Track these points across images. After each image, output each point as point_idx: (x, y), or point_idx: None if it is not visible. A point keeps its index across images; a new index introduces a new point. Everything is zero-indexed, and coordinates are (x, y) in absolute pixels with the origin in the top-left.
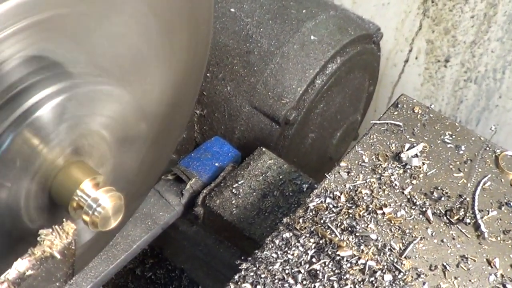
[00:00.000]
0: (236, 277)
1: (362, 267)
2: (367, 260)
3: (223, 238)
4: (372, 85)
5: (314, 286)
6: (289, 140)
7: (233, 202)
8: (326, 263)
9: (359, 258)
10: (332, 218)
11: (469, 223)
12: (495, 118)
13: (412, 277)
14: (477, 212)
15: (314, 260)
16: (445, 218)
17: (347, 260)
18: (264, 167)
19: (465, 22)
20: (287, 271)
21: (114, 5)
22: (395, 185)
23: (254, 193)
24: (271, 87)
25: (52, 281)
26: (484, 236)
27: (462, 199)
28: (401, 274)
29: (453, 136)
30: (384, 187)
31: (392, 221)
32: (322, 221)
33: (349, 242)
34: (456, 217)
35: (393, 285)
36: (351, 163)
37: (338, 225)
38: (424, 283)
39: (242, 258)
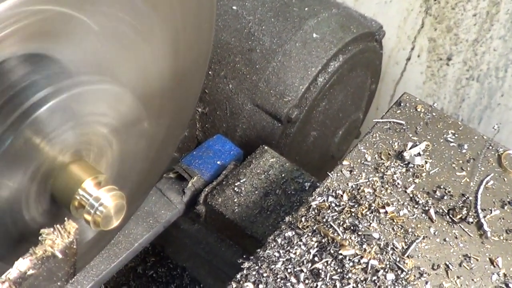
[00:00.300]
0: (238, 276)
1: (365, 266)
2: (370, 259)
3: (225, 236)
4: (374, 83)
5: (317, 285)
6: (291, 138)
7: (235, 200)
8: (329, 262)
9: (362, 257)
10: (334, 217)
11: (472, 222)
12: (497, 116)
13: (414, 276)
14: (479, 211)
15: (316, 259)
16: (447, 217)
17: (349, 259)
18: (266, 165)
19: (467, 20)
20: (289, 270)
21: (114, 3)
22: (398, 184)
23: (256, 192)
24: (273, 85)
25: (54, 281)
26: (487, 235)
27: (464, 198)
28: (404, 273)
29: (456, 135)
30: (386, 186)
31: (395, 220)
32: (324, 220)
33: (351, 241)
34: (458, 216)
35: (396, 284)
36: (354, 161)
37: (341, 224)
38: (426, 282)
39: (244, 256)
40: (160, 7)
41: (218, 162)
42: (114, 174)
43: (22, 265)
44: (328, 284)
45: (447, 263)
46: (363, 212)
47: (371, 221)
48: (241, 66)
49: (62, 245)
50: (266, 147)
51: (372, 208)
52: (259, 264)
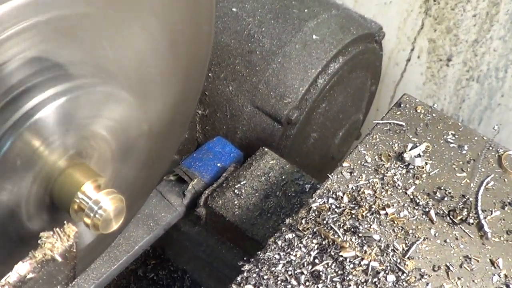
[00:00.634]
0: (238, 278)
1: (365, 268)
2: (370, 261)
3: (226, 239)
4: (374, 84)
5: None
6: (291, 140)
7: (236, 202)
8: (329, 264)
9: (362, 259)
10: (335, 219)
11: (472, 223)
12: (497, 117)
13: (415, 277)
14: (480, 212)
15: (317, 261)
16: (448, 218)
17: (350, 261)
18: (266, 167)
19: (467, 21)
20: (289, 272)
21: (115, 6)
22: (398, 185)
23: (257, 194)
24: (273, 86)
25: (53, 284)
26: (487, 236)
27: (465, 199)
28: (404, 274)
29: (456, 136)
30: (387, 187)
31: (395, 222)
32: (324, 222)
33: (352, 242)
34: (459, 217)
35: (396, 285)
36: (354, 163)
37: (341, 225)
38: (427, 284)
39: (245, 259)
40: (159, 9)
41: (218, 164)
42: (114, 177)
43: (22, 268)
44: (328, 286)
45: (448, 264)
46: (364, 213)
47: (371, 223)
48: (241, 68)
49: (62, 249)
50: (266, 149)
51: (373, 209)
52: (260, 267)
